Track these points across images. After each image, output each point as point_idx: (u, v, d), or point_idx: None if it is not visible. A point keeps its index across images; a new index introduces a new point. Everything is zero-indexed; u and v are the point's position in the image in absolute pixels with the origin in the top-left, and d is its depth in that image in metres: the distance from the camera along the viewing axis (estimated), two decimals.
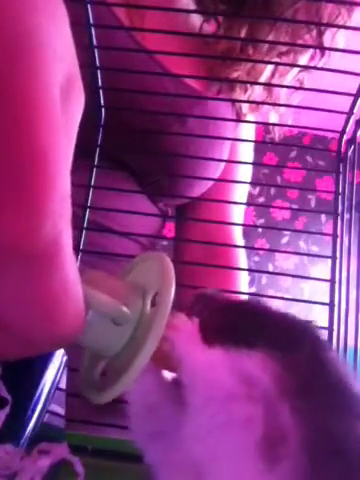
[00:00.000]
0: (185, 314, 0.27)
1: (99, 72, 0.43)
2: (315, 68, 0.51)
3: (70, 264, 0.17)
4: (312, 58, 0.51)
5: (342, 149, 0.45)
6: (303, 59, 0.51)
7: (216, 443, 0.21)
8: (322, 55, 0.51)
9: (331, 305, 0.41)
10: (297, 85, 0.54)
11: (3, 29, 0.15)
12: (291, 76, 0.54)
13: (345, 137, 0.45)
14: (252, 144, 0.65)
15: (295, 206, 2.42)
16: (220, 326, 0.26)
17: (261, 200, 2.46)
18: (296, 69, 0.53)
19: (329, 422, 0.22)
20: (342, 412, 0.22)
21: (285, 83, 0.55)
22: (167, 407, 0.24)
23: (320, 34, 0.49)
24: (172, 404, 0.24)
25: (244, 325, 0.26)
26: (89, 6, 0.39)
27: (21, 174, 0.15)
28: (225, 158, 0.58)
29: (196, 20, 0.54)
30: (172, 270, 0.25)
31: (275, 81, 0.55)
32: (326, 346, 0.25)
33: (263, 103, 0.56)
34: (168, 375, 0.25)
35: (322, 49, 0.50)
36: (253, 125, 0.65)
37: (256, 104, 0.57)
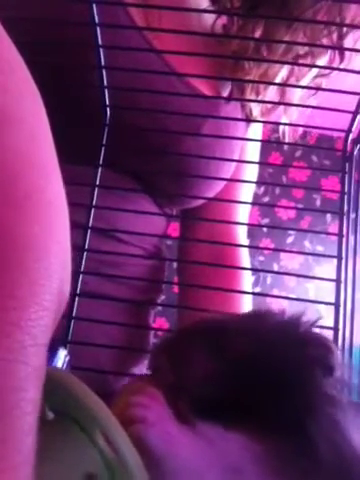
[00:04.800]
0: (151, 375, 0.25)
1: (104, 71, 0.43)
2: (321, 67, 0.50)
3: None
4: (331, 62, 0.49)
5: (348, 148, 0.45)
6: (320, 63, 0.49)
7: None
8: (341, 59, 0.48)
9: (336, 305, 0.41)
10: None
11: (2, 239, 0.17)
12: (307, 80, 0.51)
13: (351, 136, 0.44)
14: (259, 148, 0.64)
15: (300, 206, 2.41)
16: (201, 396, 0.24)
17: (266, 200, 2.45)
18: (312, 73, 0.50)
19: None
20: None
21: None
22: None
23: (341, 37, 0.46)
24: None
25: (216, 399, 0.24)
26: (94, 6, 0.39)
27: None
28: (235, 163, 0.57)
29: (209, 20, 0.52)
30: (106, 408, 0.22)
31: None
32: (306, 417, 0.23)
33: (268, 102, 0.55)
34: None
35: (334, 49, 0.47)
36: (261, 130, 0.64)
37: (266, 109, 0.56)
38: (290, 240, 2.44)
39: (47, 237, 0.19)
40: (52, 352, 0.32)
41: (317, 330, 0.28)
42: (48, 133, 0.21)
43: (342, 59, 0.48)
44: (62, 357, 0.33)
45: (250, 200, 0.64)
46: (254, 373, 0.24)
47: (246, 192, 0.62)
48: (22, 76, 0.21)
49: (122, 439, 0.21)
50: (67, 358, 0.33)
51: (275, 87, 0.53)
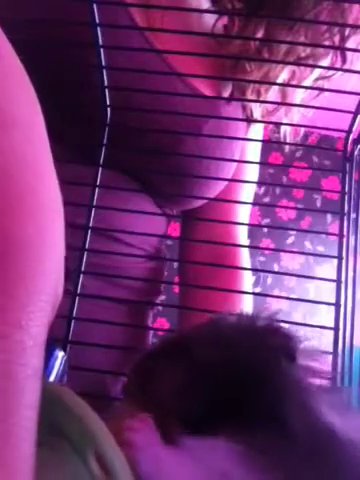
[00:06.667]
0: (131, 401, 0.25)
1: (105, 72, 0.43)
2: (322, 67, 0.50)
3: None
4: (332, 65, 0.48)
5: (348, 149, 0.45)
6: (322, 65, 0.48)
7: None
8: (343, 62, 0.47)
9: (337, 305, 0.41)
10: (315, 91, 0.52)
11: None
12: (308, 83, 0.51)
13: (351, 136, 0.44)
14: (259, 150, 0.64)
15: (301, 206, 2.41)
16: (177, 412, 0.24)
17: (266, 200, 2.45)
18: (314, 75, 0.50)
19: None
20: None
21: (302, 90, 0.52)
22: None
23: (343, 40, 0.46)
24: None
25: (203, 405, 0.24)
26: (95, 6, 0.39)
27: None
28: (235, 165, 0.57)
29: (210, 21, 0.52)
30: (103, 424, 0.21)
31: (292, 88, 0.52)
32: (278, 404, 0.24)
33: (268, 102, 0.55)
34: None
35: (337, 49, 0.47)
36: (261, 130, 0.64)
37: (267, 111, 0.55)
38: (290, 240, 2.44)
39: (42, 239, 0.19)
40: (49, 353, 0.32)
41: (277, 322, 0.29)
42: (44, 135, 0.21)
43: (344, 62, 0.48)
44: (59, 358, 0.32)
45: (251, 197, 0.64)
46: (223, 376, 0.25)
47: (247, 193, 0.62)
48: (18, 76, 0.21)
49: (117, 456, 0.21)
50: (64, 359, 0.33)
51: (276, 90, 0.53)
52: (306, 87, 0.52)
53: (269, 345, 0.26)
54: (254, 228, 1.96)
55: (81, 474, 0.21)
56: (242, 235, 0.61)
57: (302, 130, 0.57)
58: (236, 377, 0.25)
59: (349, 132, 0.44)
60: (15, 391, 0.16)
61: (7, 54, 0.21)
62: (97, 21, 0.40)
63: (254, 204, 0.65)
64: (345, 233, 0.43)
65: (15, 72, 0.21)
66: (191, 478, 0.22)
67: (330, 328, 0.40)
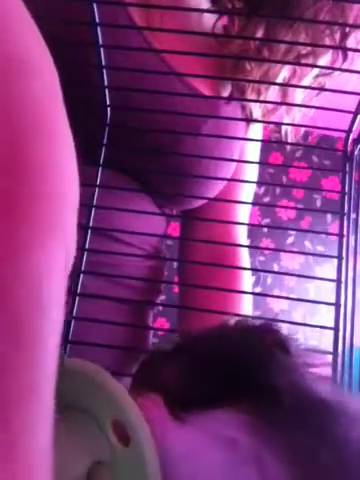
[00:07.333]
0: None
1: (105, 71, 0.43)
2: (323, 67, 0.50)
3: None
4: (333, 62, 0.48)
5: (348, 148, 0.45)
6: (322, 63, 0.48)
7: None
8: (344, 59, 0.47)
9: (337, 305, 0.41)
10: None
11: None
12: (309, 80, 0.51)
13: (351, 136, 0.44)
14: (259, 150, 0.64)
15: (301, 206, 2.41)
16: (182, 393, 0.25)
17: (266, 200, 2.45)
18: (314, 72, 0.50)
19: (314, 460, 0.22)
20: (324, 443, 0.23)
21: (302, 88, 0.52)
22: None
23: (343, 38, 0.46)
24: None
25: (205, 387, 0.25)
26: (95, 5, 0.39)
27: None
28: (234, 166, 0.57)
29: (210, 20, 0.52)
30: (126, 392, 0.22)
31: (292, 88, 0.52)
32: (286, 381, 0.25)
33: (267, 102, 0.55)
34: None
35: (339, 48, 0.47)
36: (261, 131, 0.64)
37: (267, 111, 0.55)
38: (290, 240, 2.44)
39: (55, 164, 0.19)
40: None
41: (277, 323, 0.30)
42: (59, 97, 0.22)
43: (345, 59, 0.48)
44: (61, 358, 0.33)
45: (251, 198, 0.64)
46: (222, 368, 0.26)
47: (246, 193, 0.62)
48: (29, 26, 0.22)
49: (140, 423, 0.21)
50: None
51: (276, 89, 0.53)
52: (306, 87, 0.52)
53: (265, 341, 0.27)
54: (254, 228, 1.96)
55: (96, 441, 0.21)
56: (242, 235, 0.61)
57: (302, 130, 0.57)
58: (234, 368, 0.26)
59: (349, 132, 0.44)
60: (39, 306, 0.16)
61: (19, 21, 0.21)
62: (97, 21, 0.40)
63: (254, 204, 0.65)
64: (345, 233, 0.43)
65: (31, 29, 0.22)
66: (197, 445, 0.22)
67: (330, 328, 0.40)
